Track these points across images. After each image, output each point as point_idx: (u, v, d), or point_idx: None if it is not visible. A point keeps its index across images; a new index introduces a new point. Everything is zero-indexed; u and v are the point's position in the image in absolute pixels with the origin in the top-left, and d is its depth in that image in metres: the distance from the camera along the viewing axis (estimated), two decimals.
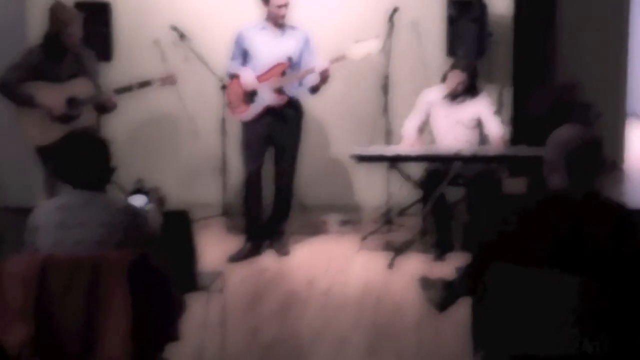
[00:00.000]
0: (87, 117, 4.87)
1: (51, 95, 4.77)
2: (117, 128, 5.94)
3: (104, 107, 4.97)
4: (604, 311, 2.30)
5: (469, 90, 5.21)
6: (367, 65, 5.52)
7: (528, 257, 2.35)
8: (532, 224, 2.39)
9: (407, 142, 5.27)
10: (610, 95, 7.60)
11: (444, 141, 5.27)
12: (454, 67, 5.21)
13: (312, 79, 5.07)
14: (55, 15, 4.80)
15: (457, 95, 5.20)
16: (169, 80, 5.34)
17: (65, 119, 4.79)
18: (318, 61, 5.02)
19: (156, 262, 2.65)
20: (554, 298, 2.33)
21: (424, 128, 5.38)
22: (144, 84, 5.17)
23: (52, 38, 4.81)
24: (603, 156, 2.49)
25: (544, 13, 6.65)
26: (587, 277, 2.30)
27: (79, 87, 4.84)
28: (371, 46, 5.08)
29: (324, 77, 5.03)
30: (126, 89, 5.08)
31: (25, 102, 4.74)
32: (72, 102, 4.82)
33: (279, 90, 5.07)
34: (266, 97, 5.07)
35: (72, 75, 4.84)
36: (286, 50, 5.07)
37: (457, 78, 5.15)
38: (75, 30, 4.82)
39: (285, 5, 5.01)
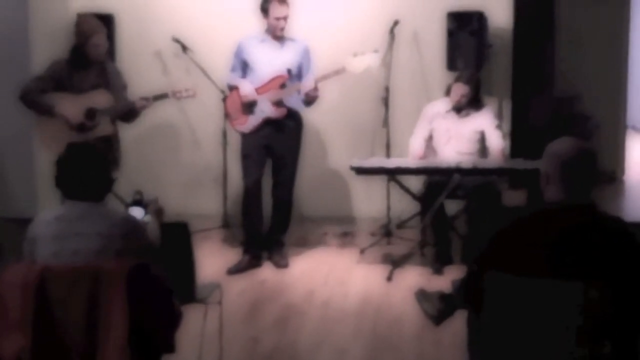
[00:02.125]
0: (104, 128, 4.93)
1: (70, 106, 4.84)
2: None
3: (127, 115, 5.01)
4: (600, 320, 2.30)
5: (472, 102, 5.20)
6: (367, 77, 5.53)
7: (523, 268, 2.36)
8: (527, 236, 2.40)
9: (417, 158, 5.22)
10: (609, 108, 7.61)
11: (446, 153, 5.27)
12: (457, 79, 5.19)
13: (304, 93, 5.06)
14: (80, 27, 4.88)
15: (462, 108, 5.20)
16: (187, 93, 5.24)
17: (82, 128, 4.86)
18: (306, 81, 5.03)
19: (155, 271, 2.66)
20: (548, 308, 2.33)
21: (430, 142, 5.35)
22: (160, 97, 5.14)
23: (77, 50, 4.87)
24: (598, 168, 2.50)
25: (544, 25, 6.65)
26: (583, 287, 2.31)
27: (98, 98, 4.91)
28: (370, 60, 5.08)
29: (312, 97, 5.02)
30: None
31: (45, 111, 4.84)
32: (90, 112, 4.88)
33: (278, 103, 5.09)
34: (265, 109, 5.09)
35: (95, 87, 4.91)
36: (285, 63, 5.09)
37: (460, 90, 5.14)
38: (100, 41, 4.89)
39: (284, 18, 5.03)
